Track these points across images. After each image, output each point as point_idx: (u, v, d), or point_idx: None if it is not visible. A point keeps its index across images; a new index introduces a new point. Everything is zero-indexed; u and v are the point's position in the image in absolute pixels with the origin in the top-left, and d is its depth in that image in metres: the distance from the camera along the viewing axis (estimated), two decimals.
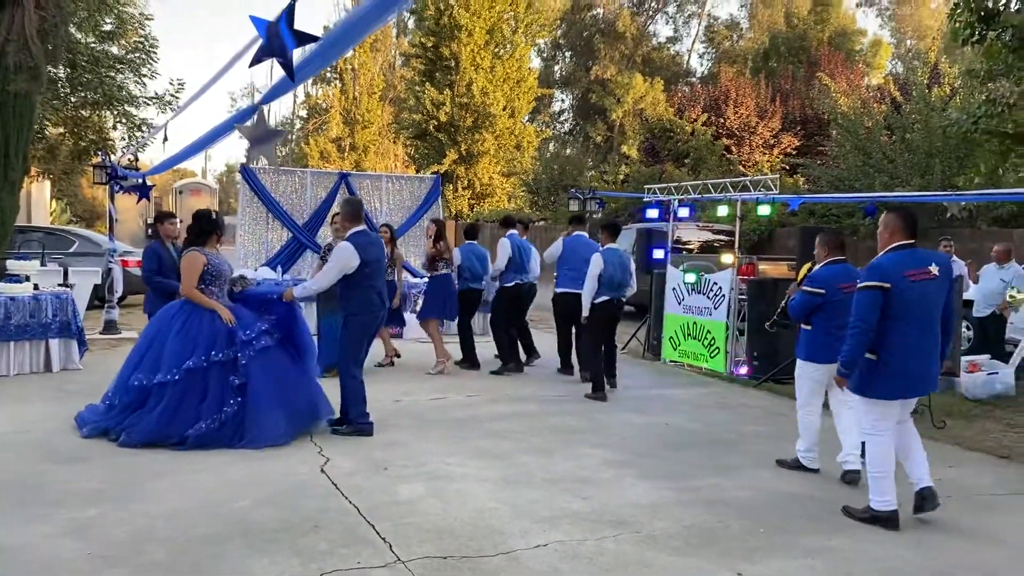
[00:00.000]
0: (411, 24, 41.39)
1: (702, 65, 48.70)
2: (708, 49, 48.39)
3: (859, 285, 4.92)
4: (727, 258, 10.18)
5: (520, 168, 34.81)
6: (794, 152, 26.54)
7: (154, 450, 5.86)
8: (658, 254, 11.15)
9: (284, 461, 5.77)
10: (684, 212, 11.14)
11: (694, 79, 44.81)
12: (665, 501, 5.22)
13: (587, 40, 46.34)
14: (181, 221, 8.13)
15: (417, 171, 33.41)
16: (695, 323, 10.23)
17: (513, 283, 9.67)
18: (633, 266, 8.81)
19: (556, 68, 49.41)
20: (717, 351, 9.93)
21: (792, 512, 5.11)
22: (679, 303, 10.51)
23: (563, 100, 50.43)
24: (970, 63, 11.97)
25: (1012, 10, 8.31)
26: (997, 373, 8.86)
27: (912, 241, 4.92)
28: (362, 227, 6.69)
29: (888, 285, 4.76)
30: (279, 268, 13.12)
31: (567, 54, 49.04)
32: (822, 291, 5.77)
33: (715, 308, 9.93)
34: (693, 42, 49.17)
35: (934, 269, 4.87)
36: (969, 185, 10.97)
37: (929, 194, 12.36)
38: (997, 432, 7.45)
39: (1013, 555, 4.57)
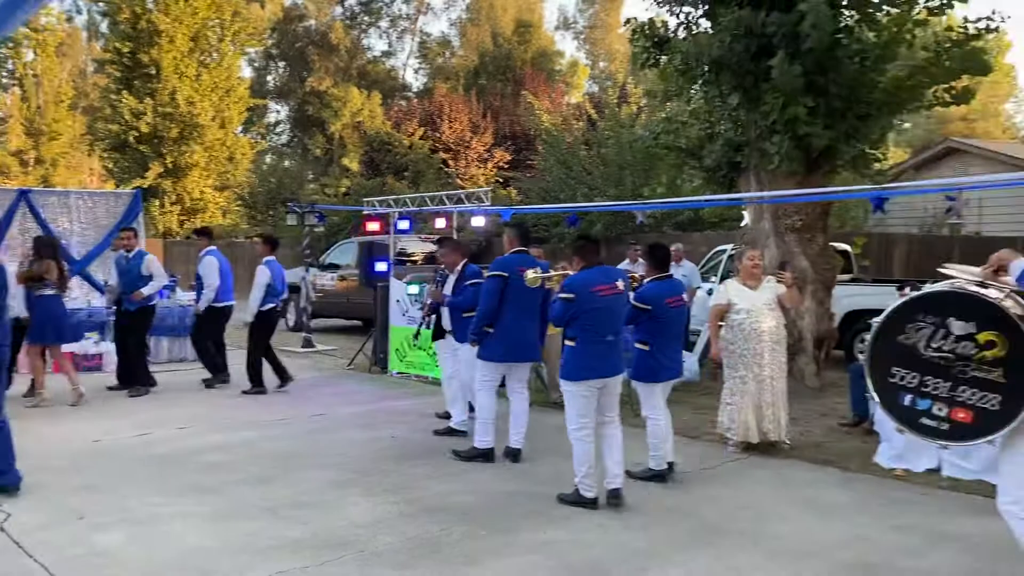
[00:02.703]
0: (104, 27, 37.90)
1: (417, 80, 49.71)
2: (422, 65, 49.49)
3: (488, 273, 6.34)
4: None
5: (234, 181, 33.22)
6: (506, 166, 27.90)
7: None
8: (380, 267, 11.14)
9: None
10: (404, 224, 11.23)
11: (410, 94, 45.57)
12: (388, 516, 5.19)
13: (300, 51, 45.39)
14: None
15: (117, 186, 30.62)
16: (420, 334, 10.32)
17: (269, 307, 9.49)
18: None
19: (269, 78, 47.86)
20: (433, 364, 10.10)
21: (512, 511, 5.31)
22: (403, 315, 10.56)
23: (279, 111, 49.02)
24: (651, 85, 13.30)
25: (680, 38, 9.36)
26: (684, 361, 9.86)
27: (525, 249, 6.50)
28: None
29: (506, 274, 6.25)
30: None
31: (280, 64, 47.70)
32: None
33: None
34: (408, 57, 50.03)
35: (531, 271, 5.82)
36: (653, 194, 12.22)
37: (622, 203, 13.57)
38: (686, 415, 8.26)
39: (705, 524, 5.10)
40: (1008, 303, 3.57)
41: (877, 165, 9.49)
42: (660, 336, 5.88)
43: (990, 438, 3.64)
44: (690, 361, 9.90)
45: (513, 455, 6.49)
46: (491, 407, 6.51)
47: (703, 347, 10.32)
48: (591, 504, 5.34)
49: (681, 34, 9.42)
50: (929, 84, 8.89)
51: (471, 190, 10.33)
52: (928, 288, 4.08)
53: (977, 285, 3.68)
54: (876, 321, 4.03)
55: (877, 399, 3.96)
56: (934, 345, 3.71)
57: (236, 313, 10.09)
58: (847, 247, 13.10)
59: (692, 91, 10.15)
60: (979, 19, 8.75)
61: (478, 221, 10.68)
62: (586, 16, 53.41)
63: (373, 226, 11.39)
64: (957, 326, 3.63)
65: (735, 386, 6.80)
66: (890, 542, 4.77)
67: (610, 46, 50.58)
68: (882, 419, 6.41)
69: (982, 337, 3.57)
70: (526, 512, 5.29)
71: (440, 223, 10.78)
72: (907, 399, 3.81)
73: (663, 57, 9.55)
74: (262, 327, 9.45)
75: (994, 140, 35.94)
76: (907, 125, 43.83)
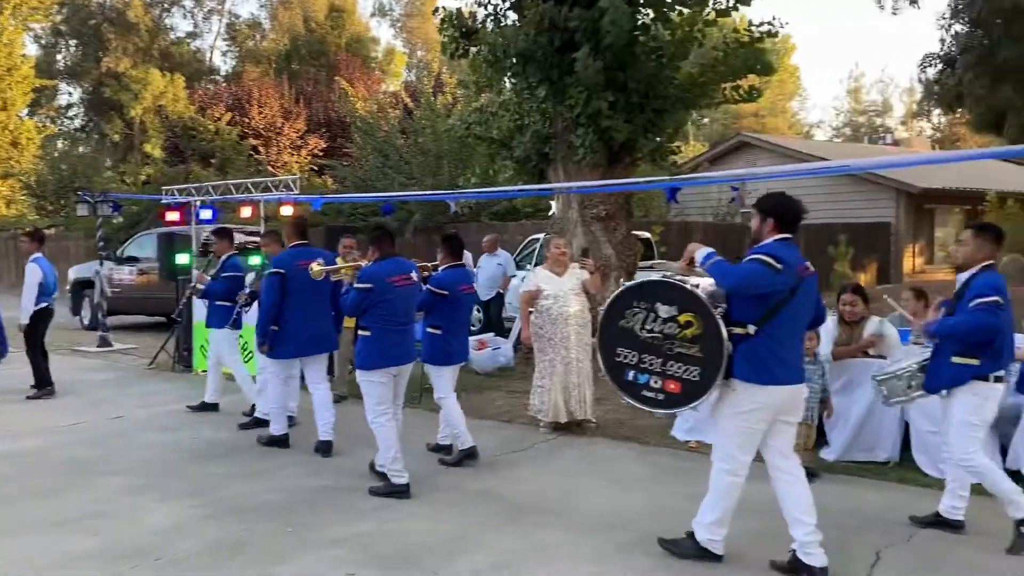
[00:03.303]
0: None
1: (226, 63, 47.43)
2: (231, 47, 47.24)
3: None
4: (254, 259, 10.01)
5: (19, 168, 30.33)
6: (321, 153, 27.22)
7: None
8: (182, 259, 10.53)
9: None
10: (207, 214, 10.69)
11: (218, 77, 43.41)
12: (189, 520, 4.95)
13: (95, 29, 42.01)
14: None
15: None
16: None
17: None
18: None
19: (59, 57, 44.02)
20: (250, 355, 9.72)
21: (321, 506, 5.21)
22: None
23: (71, 93, 45.21)
24: (464, 75, 13.41)
25: (488, 29, 9.49)
26: (500, 348, 10.09)
27: (306, 241, 6.69)
28: None
29: (282, 271, 6.39)
30: None
31: (72, 42, 43.96)
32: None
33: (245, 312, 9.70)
34: (215, 39, 47.58)
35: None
36: (467, 184, 12.34)
37: (435, 193, 13.60)
38: (501, 400, 8.46)
39: (513, 505, 5.22)
40: (700, 291, 4.14)
41: (674, 157, 10.02)
42: (453, 321, 6.10)
43: (694, 404, 4.21)
44: (505, 347, 10.13)
45: (323, 448, 6.39)
46: (279, 397, 6.69)
47: (516, 333, 10.58)
48: (403, 492, 5.35)
49: (489, 25, 9.54)
50: (719, 81, 9.52)
51: (279, 178, 10.00)
52: (639, 279, 4.79)
53: (680, 275, 4.27)
54: (602, 309, 4.55)
55: (608, 376, 4.43)
56: (647, 327, 4.22)
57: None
58: (648, 235, 13.85)
59: (503, 82, 10.33)
60: (762, 23, 9.47)
61: (287, 210, 10.36)
62: (402, 4, 53.05)
63: (173, 216, 10.77)
64: (663, 310, 4.16)
65: (544, 369, 7.01)
66: (685, 510, 5.09)
67: (428, 35, 50.44)
68: None
69: (682, 318, 4.12)
70: (335, 506, 5.22)
71: (246, 212, 10.35)
72: (630, 375, 4.31)
73: (472, 48, 9.65)
74: (37, 327, 8.76)
75: (782, 135, 39.22)
76: (706, 121, 46.93)
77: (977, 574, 4.19)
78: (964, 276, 4.52)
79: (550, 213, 10.23)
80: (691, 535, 4.31)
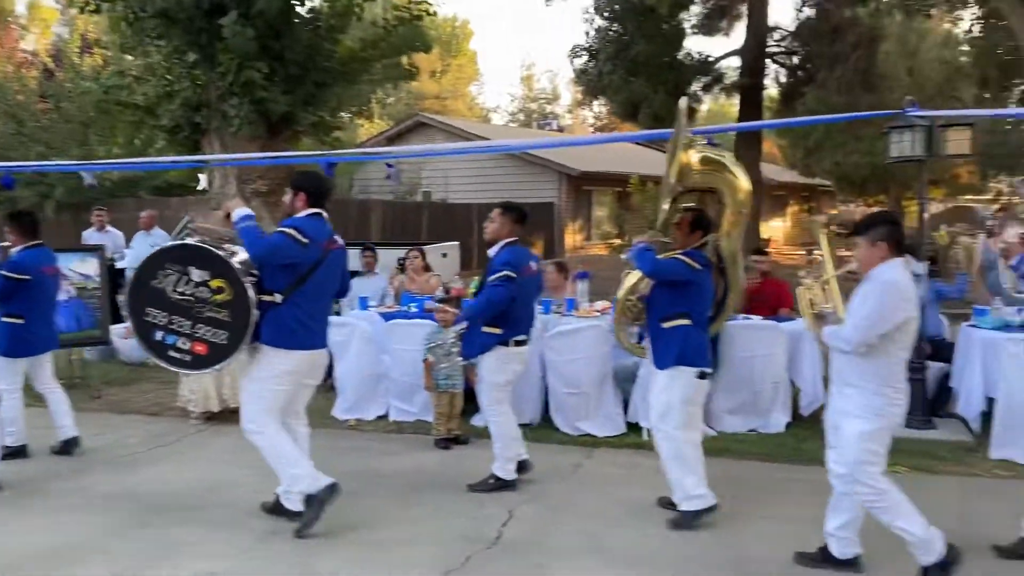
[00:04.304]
0: None
1: None
2: None
3: None
4: None
5: None
6: None
7: None
8: None
9: None
10: None
11: None
12: None
13: None
14: None
15: None
16: None
17: None
18: None
19: None
20: None
21: None
22: None
23: None
24: (109, 35, 12.11)
25: None
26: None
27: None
28: None
29: None
30: None
31: None
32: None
33: None
34: None
35: None
36: (109, 155, 11.13)
37: (60, 164, 12.09)
38: (152, 392, 7.79)
39: (148, 504, 4.78)
40: (234, 260, 4.28)
41: (338, 133, 9.85)
42: (38, 306, 5.56)
43: (219, 367, 4.40)
44: None
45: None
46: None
47: None
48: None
49: None
50: (380, 57, 9.50)
51: None
52: (173, 242, 5.14)
53: (217, 240, 4.39)
54: (134, 268, 4.67)
55: (136, 336, 4.44)
56: (179, 289, 4.29)
57: None
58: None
59: (152, 44, 9.41)
60: (421, 1, 9.56)
61: None
62: None
63: None
64: (196, 274, 4.27)
65: None
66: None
67: None
68: (344, 372, 6.75)
69: (214, 283, 4.26)
70: None
71: None
72: (158, 335, 4.36)
73: (105, 4, 8.65)
74: None
75: (461, 118, 40.68)
76: (391, 100, 47.28)
77: (594, 517, 4.57)
78: (491, 252, 4.95)
79: (199, 187, 9.56)
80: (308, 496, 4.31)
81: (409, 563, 4.01)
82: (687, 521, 4.35)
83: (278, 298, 4.22)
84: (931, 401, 6.13)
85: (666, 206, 4.41)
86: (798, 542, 4.00)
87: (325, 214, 4.39)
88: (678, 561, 3.99)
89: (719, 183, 4.57)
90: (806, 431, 6.02)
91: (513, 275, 4.74)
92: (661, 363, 4.41)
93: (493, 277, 4.78)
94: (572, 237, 22.62)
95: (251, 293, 4.22)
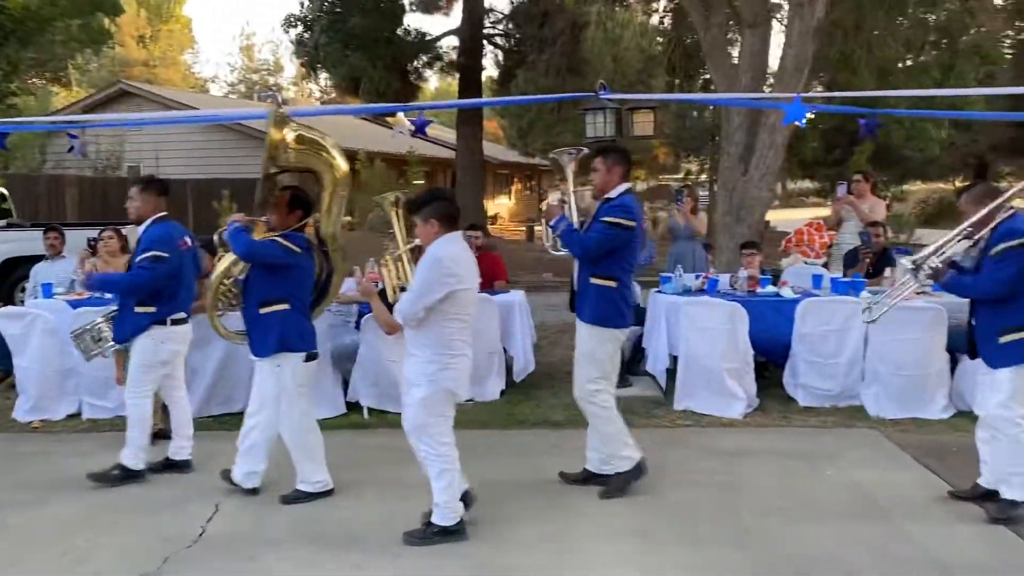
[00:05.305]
0: None
1: None
2: None
3: None
4: None
5: None
6: None
7: None
8: None
9: None
10: None
11: None
12: None
13: None
14: None
15: None
16: None
17: None
18: None
19: None
20: None
21: None
22: None
23: None
24: None
25: None
26: None
27: None
28: None
29: None
30: None
31: None
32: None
33: None
34: None
35: None
36: None
37: None
38: None
39: None
40: None
41: (15, 100, 8.69)
42: None
43: None
44: None
45: None
46: None
47: None
48: None
49: None
50: (61, 16, 8.47)
51: None
52: None
53: None
54: None
55: None
56: None
57: None
58: (4, 190, 11.99)
59: None
60: None
61: None
62: None
63: None
64: None
65: None
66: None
67: None
68: (24, 368, 6.02)
69: None
70: None
71: None
72: None
73: None
74: None
75: (174, 87, 37.75)
76: (93, 67, 42.69)
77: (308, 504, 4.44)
78: (140, 229, 4.73)
79: None
80: None
81: (100, 572, 3.66)
82: (300, 499, 4.39)
83: None
84: (627, 361, 6.67)
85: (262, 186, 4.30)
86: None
87: None
88: (393, 540, 3.97)
89: (316, 164, 4.48)
90: (519, 396, 6.34)
91: (163, 255, 4.55)
92: (260, 351, 4.31)
93: (141, 258, 4.56)
94: None
95: None
